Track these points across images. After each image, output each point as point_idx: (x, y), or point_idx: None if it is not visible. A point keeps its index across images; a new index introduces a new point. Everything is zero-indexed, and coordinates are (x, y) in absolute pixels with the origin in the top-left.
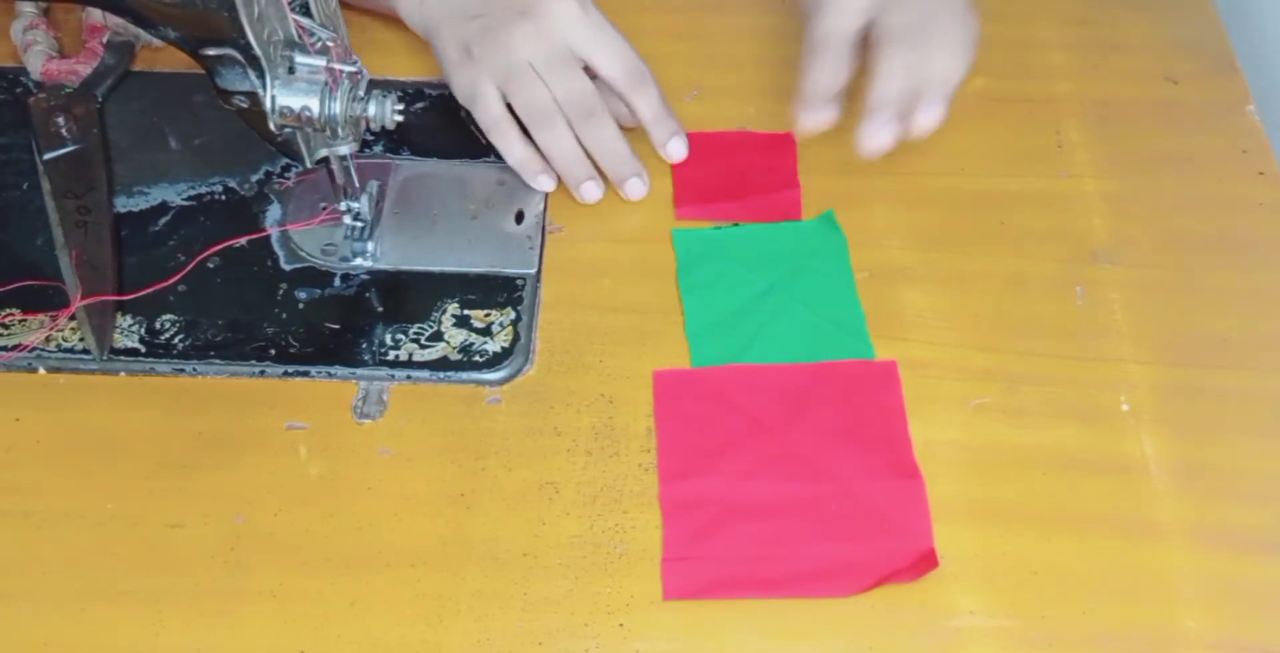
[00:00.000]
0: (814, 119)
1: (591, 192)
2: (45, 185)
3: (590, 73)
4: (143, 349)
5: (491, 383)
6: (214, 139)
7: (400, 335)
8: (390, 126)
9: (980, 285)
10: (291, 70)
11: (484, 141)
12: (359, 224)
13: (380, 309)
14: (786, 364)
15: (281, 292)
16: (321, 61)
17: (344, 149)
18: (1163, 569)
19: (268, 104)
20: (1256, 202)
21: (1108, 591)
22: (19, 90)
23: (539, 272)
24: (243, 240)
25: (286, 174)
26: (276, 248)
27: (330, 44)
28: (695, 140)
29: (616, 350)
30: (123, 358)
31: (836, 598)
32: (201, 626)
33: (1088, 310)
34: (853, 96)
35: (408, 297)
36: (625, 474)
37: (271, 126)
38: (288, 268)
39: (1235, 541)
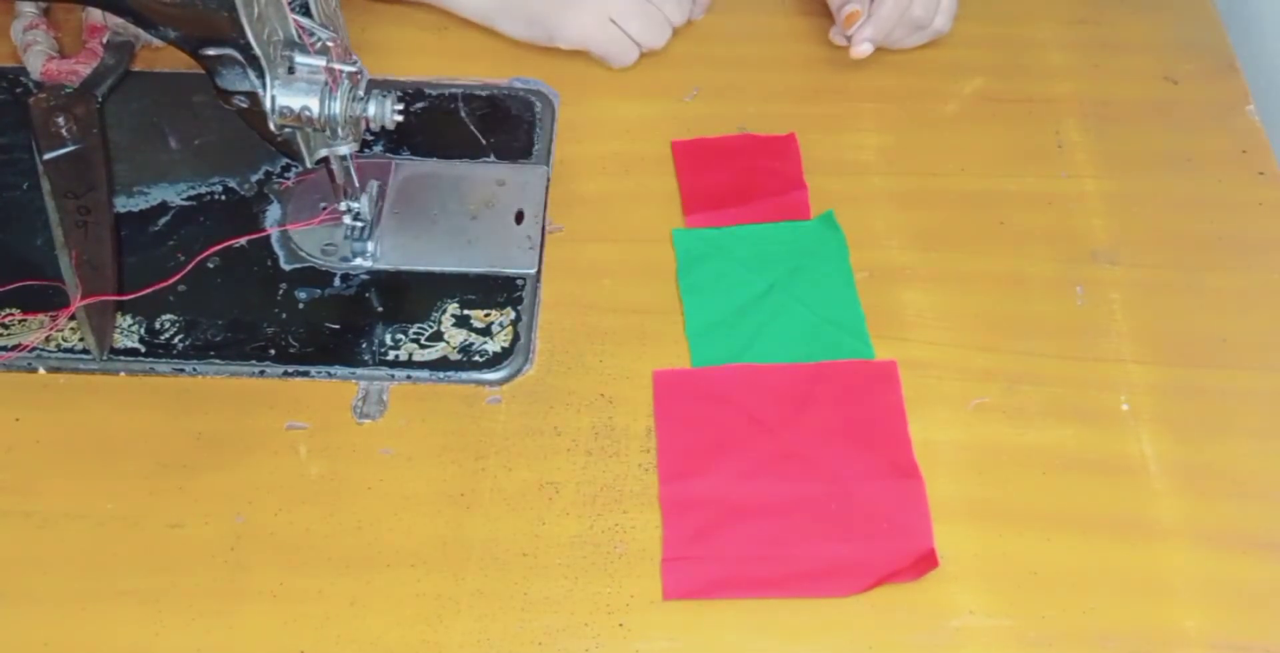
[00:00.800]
0: (856, 15)
1: None
2: (45, 185)
3: None
4: (143, 349)
5: (491, 383)
6: (214, 139)
7: (400, 335)
8: (390, 126)
9: (980, 285)
10: (291, 70)
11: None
12: (359, 224)
13: (380, 309)
14: (786, 364)
15: (281, 292)
16: (321, 61)
17: (344, 149)
18: (1163, 569)
19: (268, 104)
20: (1256, 201)
21: (1108, 591)
22: (19, 90)
23: (539, 272)
24: (243, 240)
25: (286, 174)
26: (276, 248)
27: (330, 44)
28: (698, 146)
29: (616, 350)
30: (123, 358)
31: (836, 598)
32: (201, 626)
33: (1088, 310)
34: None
35: (408, 297)
36: (625, 474)
37: (271, 126)
38: (288, 268)
39: (1235, 541)
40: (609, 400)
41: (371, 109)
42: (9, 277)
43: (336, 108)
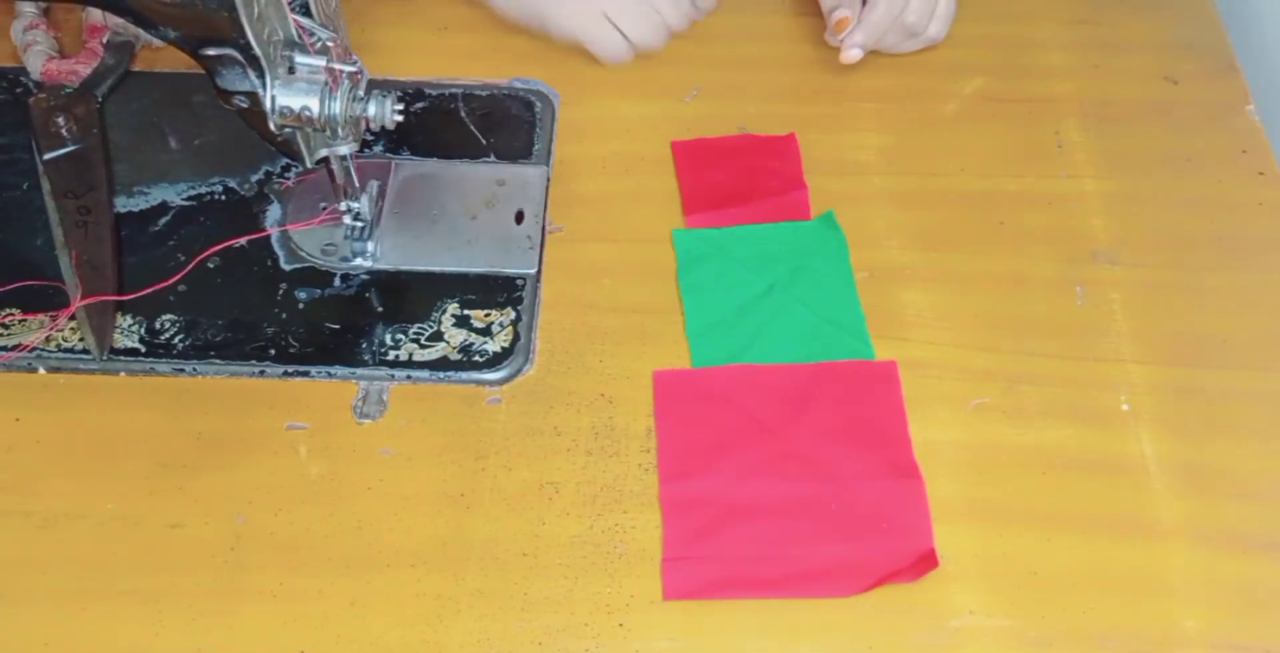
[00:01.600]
0: (846, 21)
1: None
2: (45, 185)
3: None
4: (143, 349)
5: (491, 383)
6: (214, 139)
7: (400, 335)
8: (390, 126)
9: (980, 285)
10: (291, 70)
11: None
12: (359, 224)
13: (380, 309)
14: (786, 364)
15: (281, 292)
16: (321, 61)
17: (344, 149)
18: (1163, 569)
19: (268, 104)
20: (1256, 201)
21: (1108, 591)
22: (19, 90)
23: (539, 272)
24: (243, 240)
25: (286, 174)
26: (276, 248)
27: (330, 44)
28: (698, 146)
29: (616, 350)
30: (123, 358)
31: (836, 598)
32: (201, 626)
33: (1088, 310)
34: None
35: (408, 297)
36: (625, 474)
37: (271, 126)
38: (288, 268)
39: (1235, 541)
40: (609, 400)
41: (371, 109)
42: (9, 277)
43: (336, 108)
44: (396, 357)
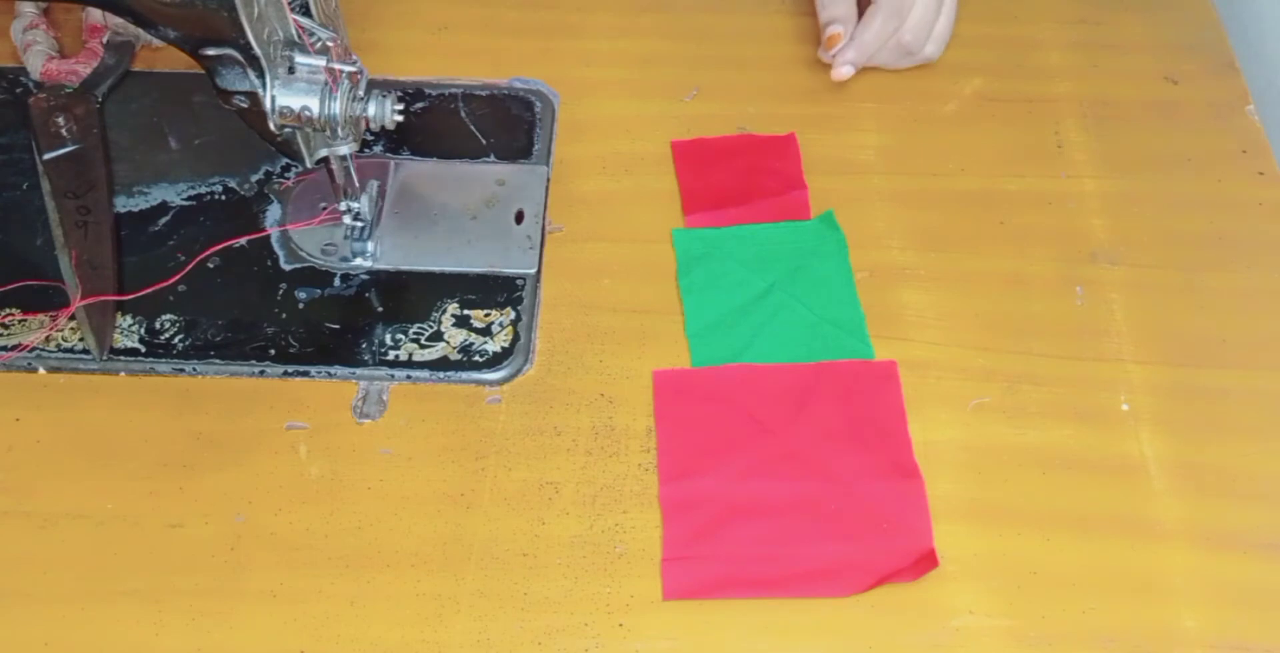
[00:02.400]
0: (837, 37)
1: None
2: (45, 185)
3: None
4: (143, 349)
5: (491, 383)
6: (214, 139)
7: (400, 335)
8: (390, 126)
9: (980, 285)
10: (291, 70)
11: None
12: (359, 224)
13: (380, 309)
14: (786, 364)
15: (281, 292)
16: (321, 61)
17: (344, 149)
18: (1163, 569)
19: (268, 104)
20: (1256, 201)
21: (1108, 591)
22: (19, 90)
23: (539, 272)
24: (243, 240)
25: (286, 174)
26: (276, 248)
27: (330, 44)
28: (697, 146)
29: (616, 350)
30: (123, 358)
31: (836, 598)
32: (201, 626)
33: (1088, 310)
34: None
35: (407, 297)
36: (625, 474)
37: (271, 126)
38: (288, 268)
39: (1235, 541)
40: (609, 400)
41: (371, 109)
42: (9, 277)
43: (336, 108)
44: (396, 357)
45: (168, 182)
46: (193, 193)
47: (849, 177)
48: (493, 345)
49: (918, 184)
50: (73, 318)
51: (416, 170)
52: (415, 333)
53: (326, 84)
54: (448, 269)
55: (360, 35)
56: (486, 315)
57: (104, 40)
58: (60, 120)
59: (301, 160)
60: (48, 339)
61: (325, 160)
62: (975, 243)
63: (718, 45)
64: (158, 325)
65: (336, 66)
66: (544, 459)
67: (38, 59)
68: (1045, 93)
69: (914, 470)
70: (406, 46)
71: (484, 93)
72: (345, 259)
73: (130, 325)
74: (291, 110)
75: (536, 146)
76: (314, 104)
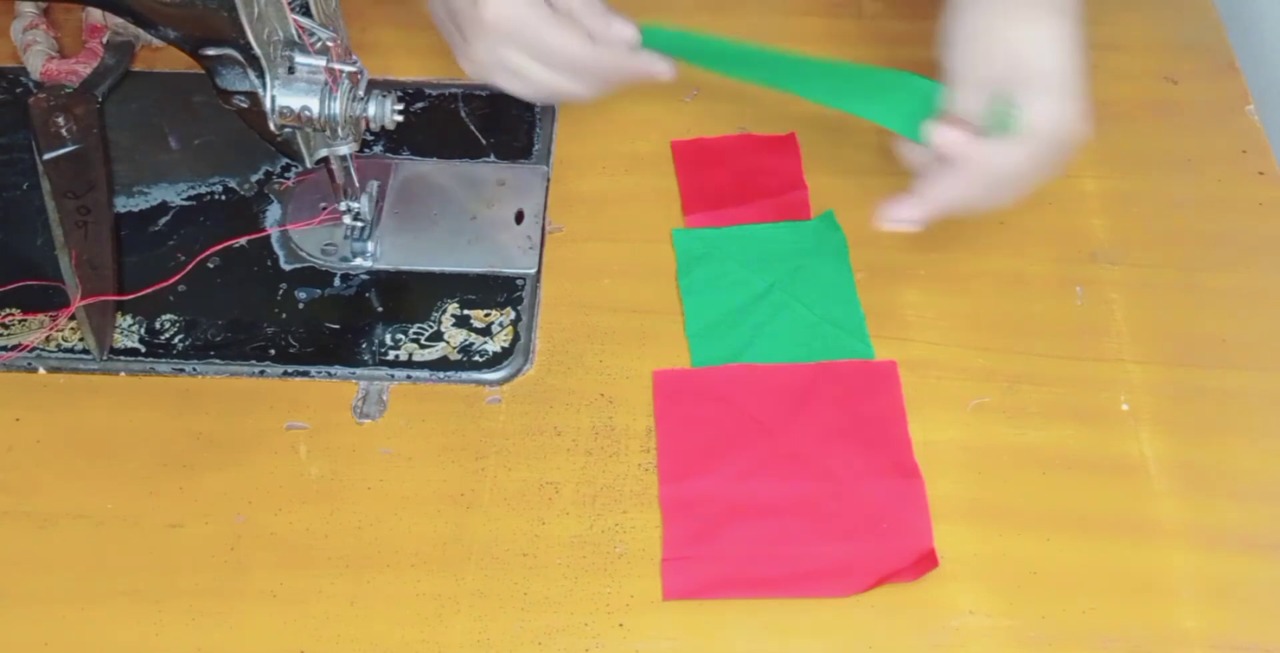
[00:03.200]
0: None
1: None
2: (45, 185)
3: None
4: (143, 349)
5: (491, 383)
6: (214, 139)
7: (400, 335)
8: (390, 126)
9: (980, 285)
10: (291, 70)
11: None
12: (359, 224)
13: (380, 309)
14: (786, 364)
15: (281, 292)
16: (321, 61)
17: (344, 149)
18: (1163, 569)
19: (268, 104)
20: (1256, 201)
21: (1108, 591)
22: (19, 90)
23: (539, 272)
24: (243, 240)
25: (286, 174)
26: (276, 248)
27: (330, 44)
28: (698, 146)
29: (616, 350)
30: (123, 358)
31: (836, 598)
32: (201, 626)
33: (1087, 310)
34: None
35: (407, 297)
36: (625, 474)
37: (271, 126)
38: (288, 268)
39: (1235, 541)
40: (609, 400)
41: (371, 109)
42: (9, 277)
43: (336, 108)
44: (396, 357)
45: (168, 182)
46: (193, 193)
47: (849, 177)
48: (493, 345)
49: None
50: (73, 318)
51: (416, 170)
52: (415, 333)
53: (326, 84)
54: (448, 269)
55: (360, 35)
56: (486, 315)
57: (104, 40)
58: (60, 120)
59: (301, 160)
60: (48, 339)
61: (325, 160)
62: (975, 243)
63: None
64: (158, 325)
65: (336, 66)
66: (544, 459)
67: (38, 59)
68: None
69: (914, 470)
70: (406, 46)
71: (484, 93)
72: (345, 259)
73: (130, 325)
74: (291, 110)
75: (536, 146)
76: (314, 104)
